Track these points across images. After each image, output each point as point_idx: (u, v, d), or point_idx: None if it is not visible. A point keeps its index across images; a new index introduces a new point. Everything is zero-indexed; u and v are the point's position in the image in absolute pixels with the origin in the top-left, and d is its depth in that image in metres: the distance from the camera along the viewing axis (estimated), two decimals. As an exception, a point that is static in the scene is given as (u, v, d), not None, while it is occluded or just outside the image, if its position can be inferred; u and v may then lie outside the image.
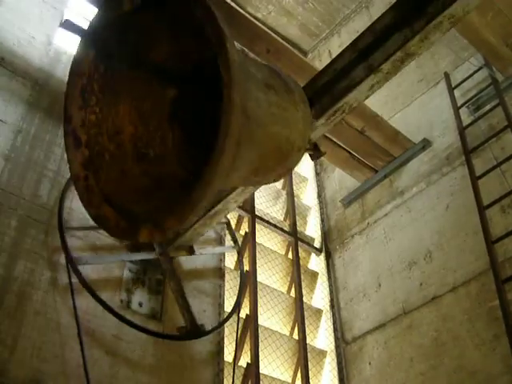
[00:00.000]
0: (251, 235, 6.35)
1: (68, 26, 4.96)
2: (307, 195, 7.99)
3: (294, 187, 7.66)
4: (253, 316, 5.68)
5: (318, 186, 7.92)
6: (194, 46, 2.74)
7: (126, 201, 2.79)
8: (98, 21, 2.89)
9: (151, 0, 2.69)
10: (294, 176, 7.79)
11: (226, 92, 2.27)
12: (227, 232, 5.86)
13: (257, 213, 6.67)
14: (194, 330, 4.59)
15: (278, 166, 3.07)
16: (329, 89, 3.75)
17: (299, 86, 3.43)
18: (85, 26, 3.06)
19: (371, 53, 3.58)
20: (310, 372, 5.83)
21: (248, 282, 5.86)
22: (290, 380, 5.84)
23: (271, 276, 6.52)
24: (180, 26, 2.70)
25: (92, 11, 6.20)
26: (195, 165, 2.66)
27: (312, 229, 7.52)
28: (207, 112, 2.96)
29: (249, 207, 6.55)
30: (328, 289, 6.80)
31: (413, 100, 7.06)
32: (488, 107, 5.97)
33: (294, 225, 7.08)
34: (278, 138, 2.89)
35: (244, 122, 2.37)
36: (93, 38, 2.82)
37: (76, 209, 4.73)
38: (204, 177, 2.35)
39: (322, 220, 7.47)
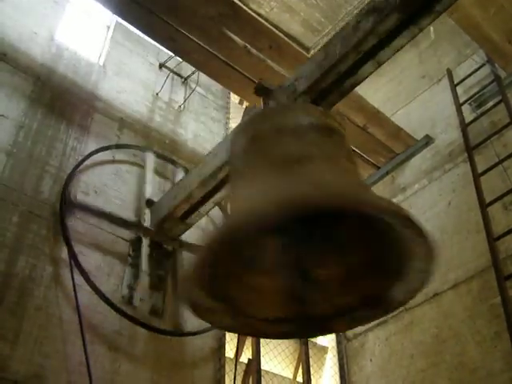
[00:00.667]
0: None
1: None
2: (309, 192, 7.97)
3: (296, 184, 7.65)
4: (254, 312, 5.68)
5: (320, 182, 7.90)
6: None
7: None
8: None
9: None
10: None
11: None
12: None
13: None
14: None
15: None
16: (336, 87, 3.76)
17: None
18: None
19: (378, 51, 3.58)
20: (311, 368, 5.82)
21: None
22: (291, 376, 5.85)
23: (273, 272, 6.51)
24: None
25: (95, 7, 6.20)
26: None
27: (314, 225, 7.51)
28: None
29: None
30: (330, 285, 6.78)
31: (415, 96, 7.04)
32: (490, 104, 5.96)
33: (295, 221, 7.06)
34: None
35: None
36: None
37: (78, 204, 4.74)
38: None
39: (324, 216, 7.45)
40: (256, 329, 2.55)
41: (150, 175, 5.48)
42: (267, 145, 2.54)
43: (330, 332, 2.65)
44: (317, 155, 2.41)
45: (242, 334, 2.70)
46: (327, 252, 2.52)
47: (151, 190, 5.35)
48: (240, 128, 2.91)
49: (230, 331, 2.72)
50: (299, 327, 2.54)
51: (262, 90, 3.71)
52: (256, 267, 2.50)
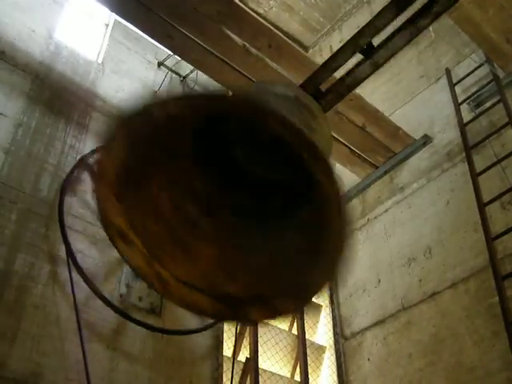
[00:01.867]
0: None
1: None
2: (307, 191, 7.98)
3: (295, 183, 7.65)
4: (252, 311, 5.68)
5: (319, 181, 7.91)
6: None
7: (206, 281, 2.58)
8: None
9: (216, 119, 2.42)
10: (294, 171, 7.78)
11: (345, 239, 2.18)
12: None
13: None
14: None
15: None
16: (334, 87, 3.75)
17: (316, 103, 3.30)
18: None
19: (376, 51, 3.57)
20: (308, 367, 5.84)
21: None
22: (288, 375, 5.85)
23: (271, 271, 6.52)
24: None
25: (93, 5, 6.20)
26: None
27: (312, 224, 7.51)
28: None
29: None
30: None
31: (414, 96, 7.04)
32: (489, 104, 5.96)
33: (294, 220, 7.07)
34: None
35: None
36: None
37: (76, 202, 4.74)
38: (330, 263, 2.24)
39: (322, 215, 7.46)
40: (166, 287, 2.49)
41: None
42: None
43: (245, 320, 2.55)
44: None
45: (149, 285, 2.52)
46: (254, 232, 2.51)
47: None
48: None
49: (142, 278, 2.57)
50: (212, 303, 2.49)
51: None
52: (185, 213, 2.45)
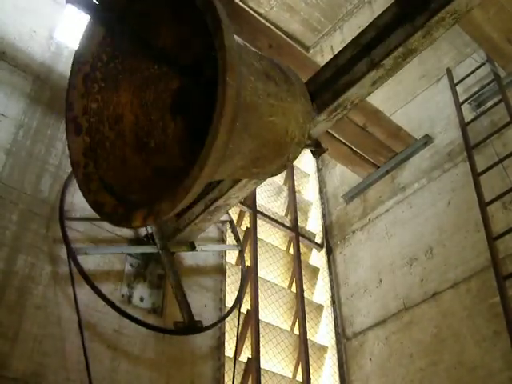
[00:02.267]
0: (252, 231, 6.35)
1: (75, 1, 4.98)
2: (309, 191, 7.99)
3: (296, 183, 7.66)
4: (254, 311, 5.69)
5: (320, 181, 7.92)
6: (194, 34, 2.73)
7: (126, 189, 2.79)
8: (104, 2, 2.87)
9: None
10: (295, 171, 7.79)
11: (221, 73, 2.29)
12: (228, 227, 5.87)
13: (258, 208, 6.67)
14: (190, 326, 4.59)
15: (277, 158, 3.06)
16: (330, 84, 3.75)
17: (300, 80, 3.42)
18: (92, 2, 3.03)
19: (373, 47, 3.57)
20: (310, 367, 5.84)
21: (249, 278, 5.87)
22: (290, 375, 5.85)
23: (272, 271, 6.53)
24: (181, 14, 2.69)
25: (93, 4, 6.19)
26: (195, 156, 2.66)
27: (313, 224, 7.53)
28: (208, 105, 2.94)
29: (250, 203, 6.56)
30: (329, 284, 6.80)
31: (415, 96, 7.04)
32: (490, 103, 5.96)
33: (295, 220, 7.08)
34: (275, 129, 2.89)
35: (240, 108, 2.37)
36: (100, 17, 2.81)
37: (77, 203, 4.74)
38: (198, 159, 2.35)
39: (324, 215, 7.47)
40: (88, 184, 2.80)
41: None
42: None
43: (132, 221, 2.68)
44: None
45: (76, 178, 2.89)
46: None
47: None
48: None
49: (72, 165, 2.94)
50: (114, 204, 2.70)
51: None
52: None
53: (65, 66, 5.65)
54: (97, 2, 2.92)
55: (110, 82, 2.88)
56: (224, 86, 2.25)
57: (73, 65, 2.96)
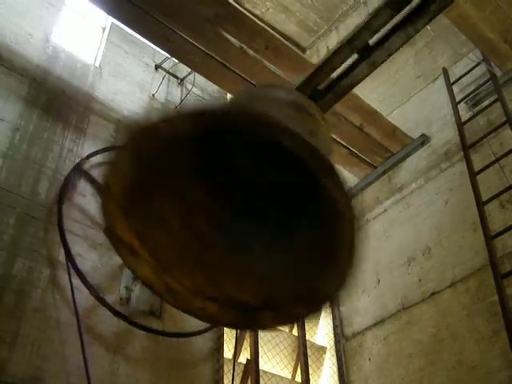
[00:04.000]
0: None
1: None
2: (306, 192, 7.98)
3: (293, 184, 7.65)
4: (252, 312, 5.68)
5: (317, 182, 7.91)
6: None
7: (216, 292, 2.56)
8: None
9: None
10: (292, 172, 7.79)
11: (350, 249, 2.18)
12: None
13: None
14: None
15: None
16: (332, 87, 3.75)
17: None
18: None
19: (373, 50, 3.57)
20: (309, 368, 5.83)
21: (247, 279, 5.85)
22: (289, 376, 5.85)
23: (270, 273, 6.51)
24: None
25: (91, 9, 6.20)
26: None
27: (311, 225, 7.51)
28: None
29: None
30: (327, 285, 6.78)
31: (411, 96, 7.05)
32: (486, 103, 5.97)
33: (293, 221, 7.07)
34: None
35: None
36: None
37: (75, 206, 4.74)
38: (341, 271, 2.24)
39: (321, 216, 7.45)
40: (177, 297, 2.48)
41: None
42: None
43: (257, 326, 2.55)
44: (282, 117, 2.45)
45: (159, 296, 2.51)
46: (266, 240, 2.50)
47: None
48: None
49: (150, 289, 2.54)
50: (225, 312, 2.48)
51: None
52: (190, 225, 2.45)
53: (61, 69, 5.66)
54: None
55: (149, 199, 2.55)
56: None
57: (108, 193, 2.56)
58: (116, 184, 2.15)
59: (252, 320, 2.43)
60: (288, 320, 2.49)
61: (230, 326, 2.59)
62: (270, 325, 2.43)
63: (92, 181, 5.07)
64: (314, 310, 2.37)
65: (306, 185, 2.24)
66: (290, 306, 2.37)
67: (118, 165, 2.11)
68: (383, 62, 3.56)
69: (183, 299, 2.46)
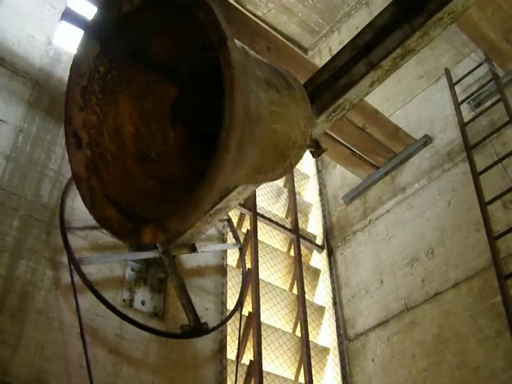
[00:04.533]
0: (253, 233, 6.35)
1: (69, 17, 4.98)
2: (309, 192, 7.99)
3: (296, 184, 7.66)
4: (255, 313, 5.69)
5: (320, 183, 7.92)
6: (195, 45, 2.73)
7: (130, 202, 2.76)
8: (98, 19, 2.87)
9: (150, 1, 2.67)
10: (295, 173, 7.80)
11: (228, 90, 2.27)
12: (229, 230, 5.87)
13: (258, 210, 6.67)
14: (197, 328, 4.59)
15: (280, 163, 3.07)
16: (329, 86, 3.75)
17: (300, 84, 3.42)
18: (86, 19, 3.07)
19: (371, 49, 3.58)
20: (312, 369, 5.83)
21: (250, 280, 5.86)
22: (293, 377, 5.85)
23: (273, 273, 6.53)
24: (181, 25, 2.69)
25: (92, 10, 6.21)
26: (198, 165, 2.65)
27: (314, 226, 7.53)
28: (209, 112, 2.94)
29: (250, 205, 6.56)
30: (330, 286, 6.80)
31: (414, 96, 7.05)
32: (489, 103, 5.97)
33: (295, 222, 7.08)
34: (278, 136, 2.89)
35: (246, 119, 2.36)
36: (95, 32, 2.80)
37: (78, 208, 4.74)
38: (207, 175, 2.33)
39: (324, 217, 7.47)
40: (93, 198, 2.80)
41: None
42: None
43: (141, 238, 2.69)
44: None
45: (80, 192, 2.88)
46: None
47: None
48: None
49: (75, 179, 2.94)
50: (121, 220, 2.70)
51: None
52: None
53: (63, 72, 5.66)
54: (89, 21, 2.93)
55: (108, 93, 2.86)
56: (232, 102, 2.24)
57: (70, 78, 2.95)
58: (83, 69, 2.44)
59: (136, 230, 2.64)
60: (165, 232, 2.61)
61: (118, 233, 2.76)
62: (150, 237, 2.56)
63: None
64: (186, 220, 2.50)
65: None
66: (167, 219, 2.55)
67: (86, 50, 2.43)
68: (381, 60, 3.57)
69: (98, 202, 2.75)
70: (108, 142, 2.82)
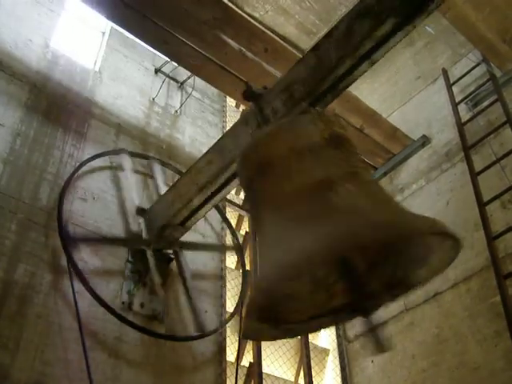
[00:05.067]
0: (252, 235, 6.34)
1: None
2: (307, 194, 7.98)
3: (294, 186, 7.64)
4: (254, 315, 5.67)
5: (318, 184, 7.91)
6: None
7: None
8: None
9: None
10: (293, 175, 7.78)
11: None
12: (228, 231, 5.87)
13: (257, 212, 6.65)
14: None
15: None
16: (331, 90, 3.74)
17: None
18: None
19: (373, 52, 3.58)
20: (312, 370, 5.82)
21: (249, 282, 5.86)
22: (292, 379, 5.84)
23: (272, 275, 6.51)
24: None
25: (90, 13, 6.21)
26: None
27: (312, 227, 7.51)
28: None
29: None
30: (329, 287, 6.78)
31: (411, 97, 7.06)
32: (486, 103, 5.98)
33: (294, 223, 7.06)
34: None
35: None
36: None
37: (75, 211, 4.74)
38: None
39: (323, 218, 7.45)
40: (296, 331, 2.79)
41: (132, 180, 5.38)
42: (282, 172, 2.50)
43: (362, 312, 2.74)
44: (339, 175, 2.43)
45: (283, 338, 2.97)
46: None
47: (137, 196, 5.26)
48: (246, 151, 2.83)
49: (274, 339, 3.00)
50: (333, 317, 2.71)
51: (251, 95, 3.71)
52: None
53: (61, 74, 5.66)
54: None
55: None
56: None
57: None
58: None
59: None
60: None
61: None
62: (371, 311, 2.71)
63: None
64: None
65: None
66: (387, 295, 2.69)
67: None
68: (381, 58, 3.57)
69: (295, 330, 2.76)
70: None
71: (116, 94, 6.08)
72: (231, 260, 6.03)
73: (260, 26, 5.99)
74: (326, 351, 6.31)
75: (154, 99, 6.51)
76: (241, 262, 5.72)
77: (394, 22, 3.40)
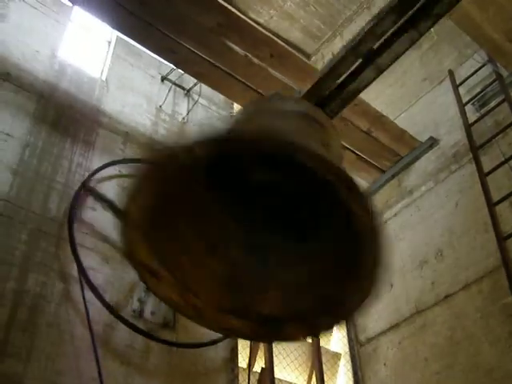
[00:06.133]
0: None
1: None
2: (316, 198, 7.97)
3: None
4: (265, 321, 5.66)
5: (326, 188, 7.90)
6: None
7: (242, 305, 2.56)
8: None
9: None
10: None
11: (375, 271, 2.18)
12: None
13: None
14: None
15: None
16: (338, 93, 3.74)
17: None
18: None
19: (378, 55, 3.57)
20: (324, 375, 5.80)
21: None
22: (305, 383, 5.83)
23: (283, 280, 6.51)
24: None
25: (96, 23, 6.25)
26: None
27: (322, 231, 7.50)
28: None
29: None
30: (340, 291, 6.77)
31: (418, 99, 7.04)
32: (493, 103, 5.95)
33: (303, 228, 7.06)
34: None
35: None
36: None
37: (86, 220, 4.76)
38: (367, 279, 2.22)
39: (332, 222, 7.44)
40: (202, 315, 2.50)
41: None
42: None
43: (285, 339, 2.52)
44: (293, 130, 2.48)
45: (185, 316, 2.55)
46: (288, 252, 2.48)
47: None
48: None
49: (175, 309, 2.61)
50: (250, 326, 2.43)
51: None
52: (208, 239, 2.47)
53: (68, 84, 5.70)
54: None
55: (168, 223, 2.61)
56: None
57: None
58: (136, 209, 2.17)
59: (275, 332, 2.42)
60: (312, 331, 2.46)
61: (253, 338, 2.58)
62: (294, 336, 2.41)
63: (99, 196, 5.08)
64: (338, 322, 2.36)
65: (325, 198, 2.24)
66: (315, 318, 2.35)
67: (137, 191, 2.12)
68: (389, 66, 3.56)
69: (210, 316, 2.48)
70: (185, 261, 2.58)
71: (123, 103, 6.11)
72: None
73: (265, 32, 5.99)
74: (337, 355, 6.29)
75: (160, 107, 6.54)
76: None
77: (394, 19, 3.40)
